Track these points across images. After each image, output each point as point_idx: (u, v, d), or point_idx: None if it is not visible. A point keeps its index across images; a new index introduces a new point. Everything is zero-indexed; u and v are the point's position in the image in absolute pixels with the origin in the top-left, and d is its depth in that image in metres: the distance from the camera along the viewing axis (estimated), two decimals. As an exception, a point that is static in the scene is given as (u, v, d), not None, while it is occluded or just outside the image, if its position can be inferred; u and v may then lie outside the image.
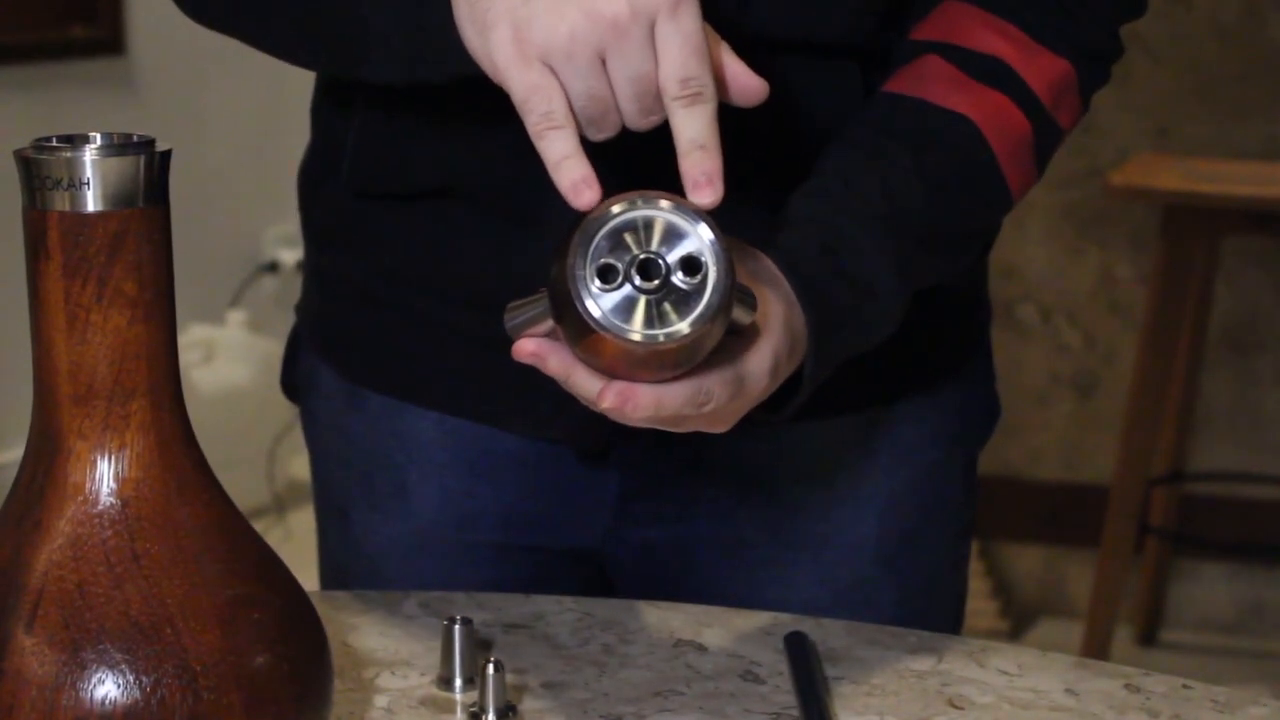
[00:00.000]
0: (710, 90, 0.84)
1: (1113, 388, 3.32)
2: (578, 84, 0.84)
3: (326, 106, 1.18)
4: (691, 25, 0.84)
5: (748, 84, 0.87)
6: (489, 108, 0.97)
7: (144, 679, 0.78)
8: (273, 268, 3.91)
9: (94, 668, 0.77)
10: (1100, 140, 3.21)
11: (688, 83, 0.83)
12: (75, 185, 0.77)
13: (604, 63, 0.84)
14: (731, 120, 1.05)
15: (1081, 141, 3.19)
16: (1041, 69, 1.04)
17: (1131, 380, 2.97)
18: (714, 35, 0.87)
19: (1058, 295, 3.35)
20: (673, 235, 0.82)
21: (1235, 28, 3.20)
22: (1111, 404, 3.30)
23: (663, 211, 0.82)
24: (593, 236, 0.81)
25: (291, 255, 3.88)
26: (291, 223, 4.33)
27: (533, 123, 0.84)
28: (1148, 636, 3.30)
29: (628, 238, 0.81)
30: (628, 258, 0.81)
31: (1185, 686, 0.99)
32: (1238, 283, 3.25)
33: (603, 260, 0.81)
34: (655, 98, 0.85)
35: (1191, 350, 3.16)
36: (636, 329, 0.81)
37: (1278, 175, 2.94)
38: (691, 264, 0.81)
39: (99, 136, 0.80)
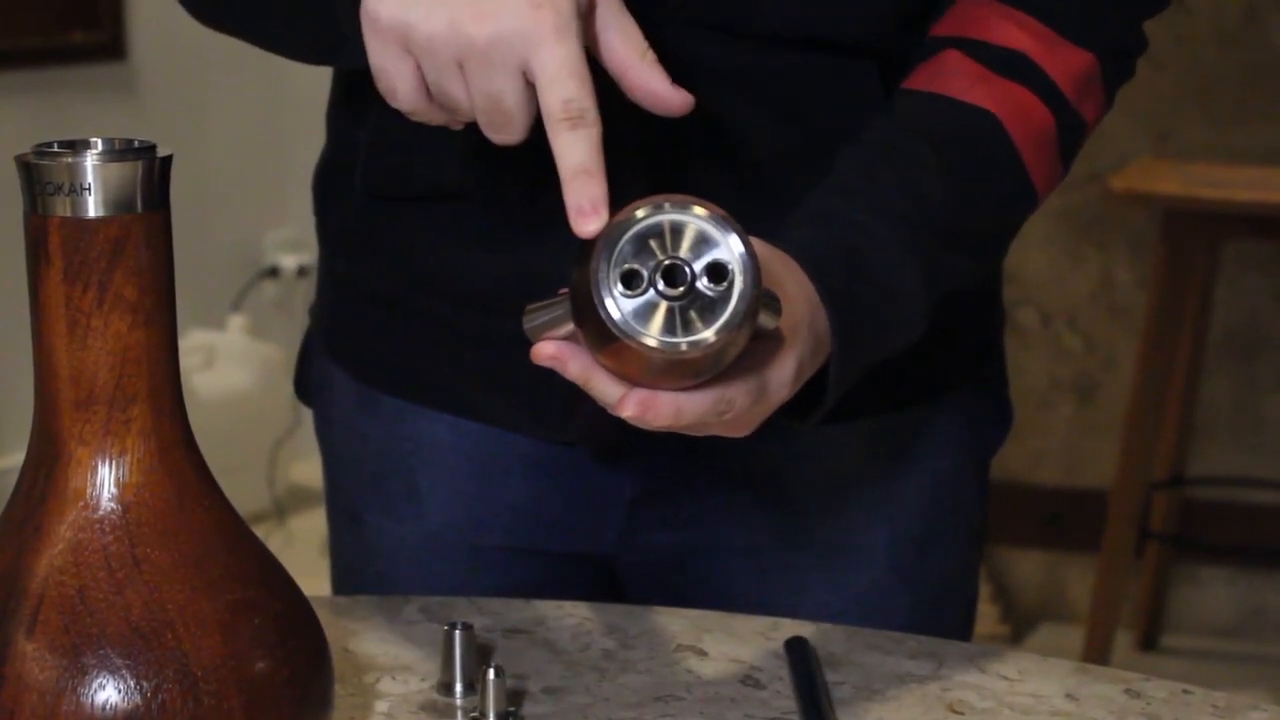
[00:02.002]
0: (593, 114, 0.83)
1: (1113, 392, 3.32)
2: (431, 74, 0.87)
3: (340, 110, 1.19)
4: (567, 51, 0.83)
5: (667, 98, 0.86)
6: None
7: (145, 684, 0.78)
8: (273, 272, 3.91)
9: (95, 673, 0.77)
10: (1100, 145, 3.21)
11: (569, 105, 0.83)
12: (76, 190, 0.77)
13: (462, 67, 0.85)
14: (748, 118, 1.06)
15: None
16: (1064, 61, 1.02)
17: (1132, 385, 2.98)
18: (639, 45, 0.87)
19: (1058, 300, 3.35)
20: (699, 241, 0.80)
21: (1236, 32, 3.20)
22: (1112, 408, 3.30)
23: (689, 216, 0.80)
24: (617, 241, 0.79)
25: (292, 260, 3.88)
26: (292, 227, 4.34)
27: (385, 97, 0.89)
28: (1148, 641, 3.30)
29: (653, 243, 0.79)
30: (652, 263, 0.79)
31: (1186, 691, 0.99)
32: (1238, 287, 3.25)
33: (626, 265, 0.79)
34: (505, 116, 0.85)
35: (1192, 355, 3.16)
36: (659, 337, 0.79)
37: (1278, 180, 2.94)
38: (717, 271, 0.79)
39: (100, 142, 0.80)
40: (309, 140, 1.23)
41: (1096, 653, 2.93)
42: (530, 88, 0.84)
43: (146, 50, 3.59)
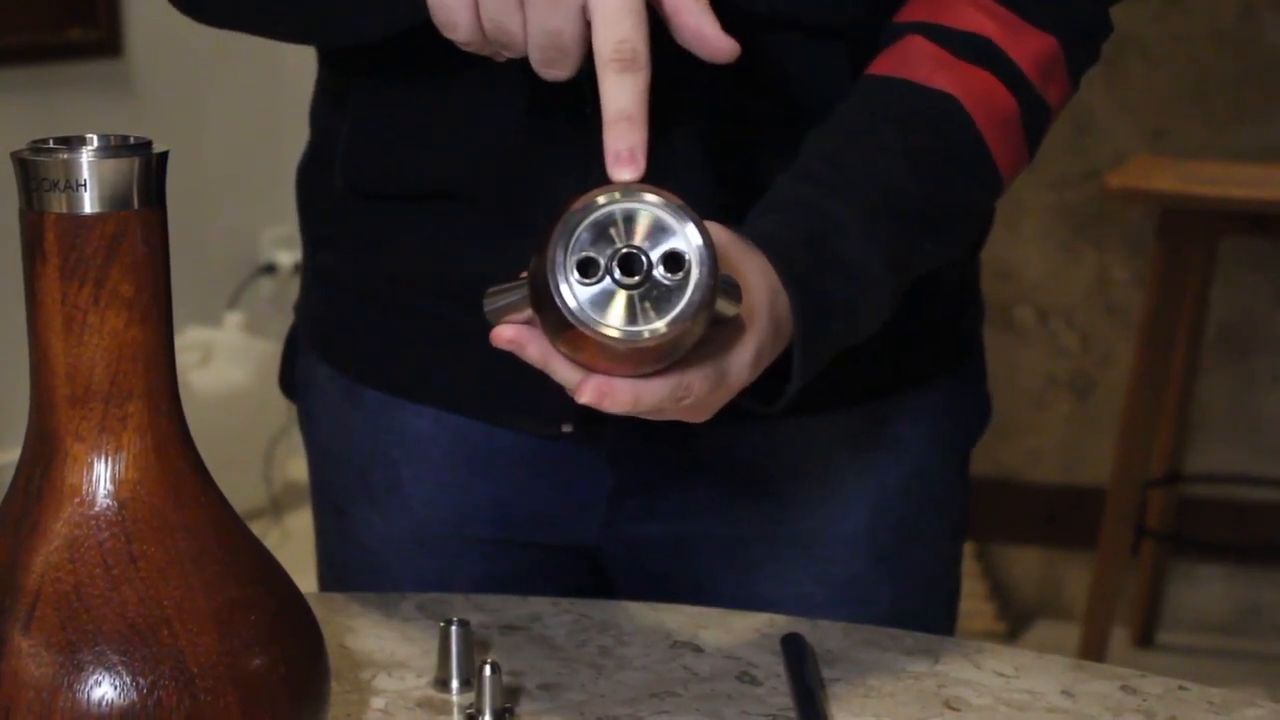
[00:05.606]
0: (644, 59, 0.82)
1: (1110, 390, 3.32)
2: (489, 8, 0.86)
3: (323, 107, 1.19)
4: None
5: (715, 41, 0.86)
6: (476, 111, 0.97)
7: (141, 681, 0.78)
8: (270, 269, 3.91)
9: (91, 669, 0.77)
10: (1097, 142, 3.21)
11: (621, 46, 0.82)
12: (72, 187, 0.77)
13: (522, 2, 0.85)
14: (719, 98, 1.06)
15: (1078, 143, 3.19)
16: (1027, 46, 1.03)
17: (1128, 382, 2.98)
18: None
19: (1055, 297, 3.35)
20: (656, 229, 0.80)
21: (1232, 30, 3.20)
22: (1108, 406, 3.30)
23: (647, 205, 0.80)
24: (574, 228, 0.79)
25: (289, 257, 3.88)
26: (289, 224, 4.33)
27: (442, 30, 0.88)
28: (1144, 638, 3.30)
29: (611, 231, 0.80)
30: (609, 251, 0.80)
31: (1181, 688, 1.00)
32: (1234, 285, 3.25)
33: (583, 253, 0.79)
34: (562, 53, 0.85)
35: (1188, 352, 3.16)
36: (615, 325, 0.79)
37: (1274, 178, 2.94)
38: (674, 260, 0.80)
39: (96, 138, 0.80)
40: (306, 138, 1.23)
41: (1093, 649, 2.94)
42: (588, 26, 0.84)
43: (143, 47, 3.58)
